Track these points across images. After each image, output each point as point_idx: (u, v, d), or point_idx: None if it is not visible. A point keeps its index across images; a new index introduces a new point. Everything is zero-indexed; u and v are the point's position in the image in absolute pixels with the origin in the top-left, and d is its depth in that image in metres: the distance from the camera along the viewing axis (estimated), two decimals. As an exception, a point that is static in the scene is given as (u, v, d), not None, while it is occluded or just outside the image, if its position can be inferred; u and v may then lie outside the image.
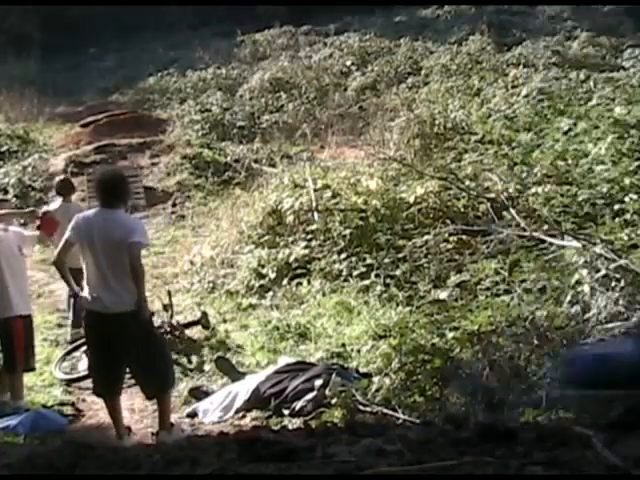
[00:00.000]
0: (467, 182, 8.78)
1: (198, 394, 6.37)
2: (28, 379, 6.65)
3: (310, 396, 5.66)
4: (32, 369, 6.50)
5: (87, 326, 5.46)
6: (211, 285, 9.18)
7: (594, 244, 5.92)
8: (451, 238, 7.91)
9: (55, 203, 8.04)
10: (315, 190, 9.72)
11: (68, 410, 6.38)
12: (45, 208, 7.68)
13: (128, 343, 5.25)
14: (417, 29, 22.98)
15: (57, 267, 5.46)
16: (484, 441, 3.03)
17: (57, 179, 8.85)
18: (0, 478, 3.25)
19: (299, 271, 8.54)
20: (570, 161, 9.14)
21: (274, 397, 5.83)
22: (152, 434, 5.45)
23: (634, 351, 4.96)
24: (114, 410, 5.46)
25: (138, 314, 5.22)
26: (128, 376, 5.84)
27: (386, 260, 7.96)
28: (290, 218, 9.43)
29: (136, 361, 5.36)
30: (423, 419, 4.95)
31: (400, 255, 7.96)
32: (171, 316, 7.63)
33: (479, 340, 5.60)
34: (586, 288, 5.73)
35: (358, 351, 6.44)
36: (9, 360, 6.20)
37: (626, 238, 6.33)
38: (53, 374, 7.06)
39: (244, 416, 5.85)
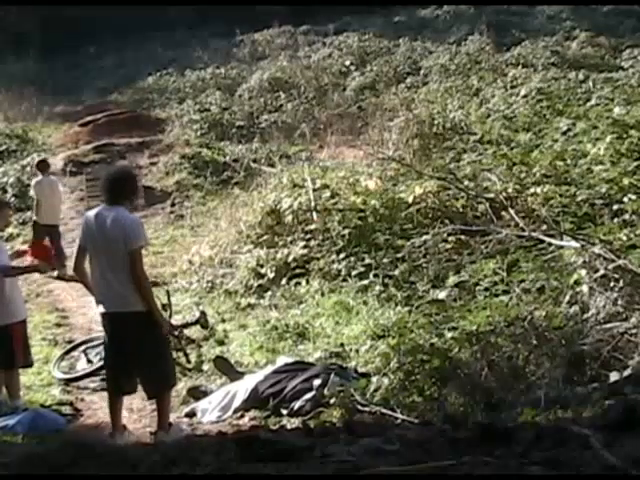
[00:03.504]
0: (466, 182, 8.75)
1: (197, 394, 6.36)
2: (27, 378, 6.66)
3: (309, 396, 5.65)
4: (31, 365, 6.54)
5: (103, 325, 5.50)
6: (210, 285, 9.18)
7: (593, 244, 5.91)
8: (450, 238, 7.89)
9: (38, 177, 10.73)
10: (314, 190, 9.70)
11: (66, 409, 6.37)
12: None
13: (135, 342, 5.26)
14: (416, 29, 23.03)
15: (77, 276, 5.58)
16: (483, 441, 3.03)
17: (37, 159, 11.77)
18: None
19: (298, 271, 8.53)
20: (569, 161, 9.14)
21: (273, 397, 5.82)
22: (150, 434, 5.44)
23: None
24: (116, 409, 5.46)
25: (143, 314, 5.22)
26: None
27: (385, 260, 7.94)
28: (289, 218, 9.42)
29: (141, 360, 5.35)
30: (422, 419, 4.94)
31: (399, 255, 7.95)
32: (170, 316, 7.61)
33: (478, 340, 5.59)
34: (585, 288, 5.71)
35: (357, 351, 6.42)
36: (9, 358, 6.19)
37: (625, 238, 6.30)
38: (51, 373, 7.06)
39: (242, 416, 5.84)
